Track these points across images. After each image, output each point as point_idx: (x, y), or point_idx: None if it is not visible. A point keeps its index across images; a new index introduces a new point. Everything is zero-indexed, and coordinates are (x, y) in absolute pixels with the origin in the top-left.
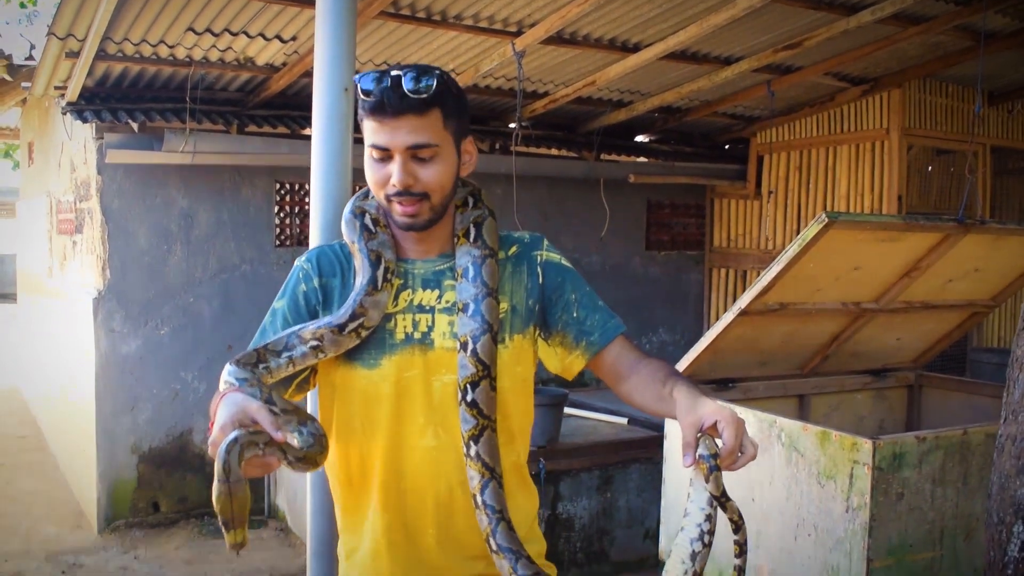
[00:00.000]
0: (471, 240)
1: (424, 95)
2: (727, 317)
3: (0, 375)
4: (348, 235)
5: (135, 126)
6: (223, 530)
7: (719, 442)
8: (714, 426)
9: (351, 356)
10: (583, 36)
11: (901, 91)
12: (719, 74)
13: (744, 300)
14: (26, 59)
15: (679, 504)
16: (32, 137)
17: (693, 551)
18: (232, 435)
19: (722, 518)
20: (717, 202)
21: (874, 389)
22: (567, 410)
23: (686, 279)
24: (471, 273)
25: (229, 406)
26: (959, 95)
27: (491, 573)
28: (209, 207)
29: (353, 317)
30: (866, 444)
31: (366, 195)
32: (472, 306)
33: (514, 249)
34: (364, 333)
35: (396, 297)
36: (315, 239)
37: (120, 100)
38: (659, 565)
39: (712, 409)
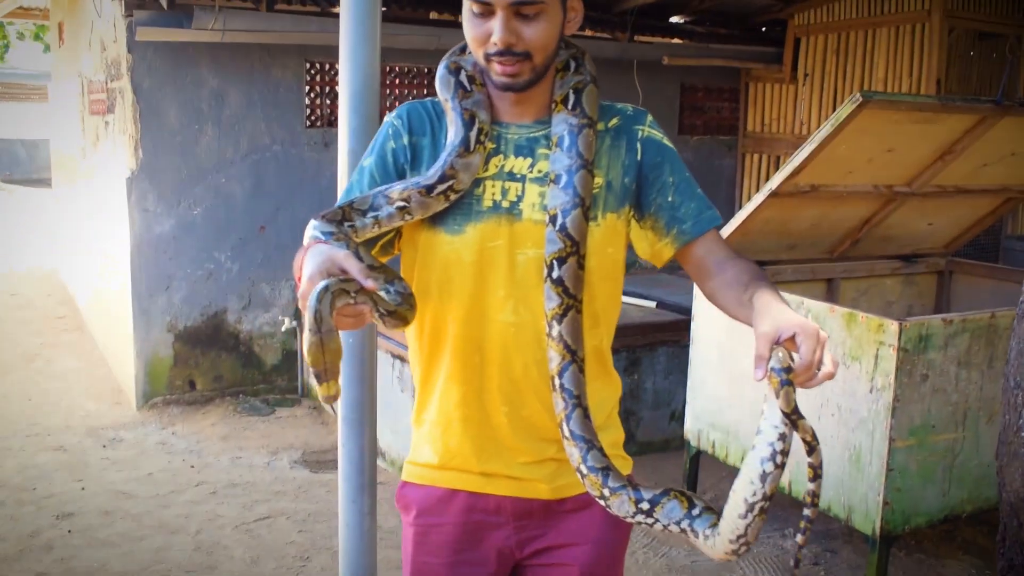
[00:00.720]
0: (569, 107)
1: None
2: (757, 198)
3: (38, 257)
4: (442, 92)
5: (164, 3)
6: (315, 383)
7: (796, 355)
8: (792, 339)
9: (435, 220)
10: None
11: None
12: None
13: (775, 181)
14: None
15: (705, 387)
16: (62, 17)
17: (763, 471)
18: (322, 284)
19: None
20: (752, 86)
21: (903, 275)
22: None
23: (719, 164)
24: (566, 142)
25: (316, 256)
26: None
27: (563, 457)
28: (239, 87)
29: (443, 179)
30: (892, 326)
31: (463, 49)
32: (564, 177)
33: (615, 121)
34: (453, 196)
35: (486, 162)
36: (344, 118)
37: None
38: (684, 446)
39: (791, 320)
